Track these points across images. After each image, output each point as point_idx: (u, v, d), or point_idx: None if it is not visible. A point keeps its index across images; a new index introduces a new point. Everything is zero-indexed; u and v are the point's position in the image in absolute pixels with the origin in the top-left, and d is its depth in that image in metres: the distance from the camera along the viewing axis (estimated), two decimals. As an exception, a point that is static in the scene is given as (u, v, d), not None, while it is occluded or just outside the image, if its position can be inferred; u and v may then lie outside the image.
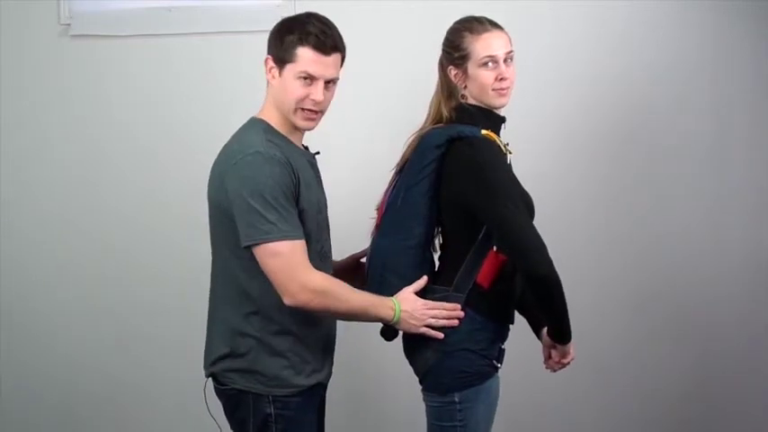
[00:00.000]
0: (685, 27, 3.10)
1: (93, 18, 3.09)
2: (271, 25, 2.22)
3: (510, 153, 2.23)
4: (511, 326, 2.28)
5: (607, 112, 3.11)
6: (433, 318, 2.15)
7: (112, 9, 3.09)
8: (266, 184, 2.02)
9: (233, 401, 2.16)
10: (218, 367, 2.17)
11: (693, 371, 3.16)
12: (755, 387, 3.16)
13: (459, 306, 2.17)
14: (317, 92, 2.10)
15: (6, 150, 3.14)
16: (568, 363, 2.30)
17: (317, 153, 2.30)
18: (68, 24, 3.09)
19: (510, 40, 2.22)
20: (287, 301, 2.06)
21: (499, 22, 2.24)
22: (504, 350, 2.24)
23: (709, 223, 3.13)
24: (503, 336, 2.25)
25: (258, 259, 2.06)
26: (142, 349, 3.16)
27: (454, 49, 2.23)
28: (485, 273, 2.17)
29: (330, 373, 2.27)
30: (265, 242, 2.03)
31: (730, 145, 3.12)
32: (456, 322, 2.16)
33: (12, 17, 3.10)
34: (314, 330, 2.16)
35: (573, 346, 2.26)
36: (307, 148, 2.27)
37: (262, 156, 2.04)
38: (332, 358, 2.27)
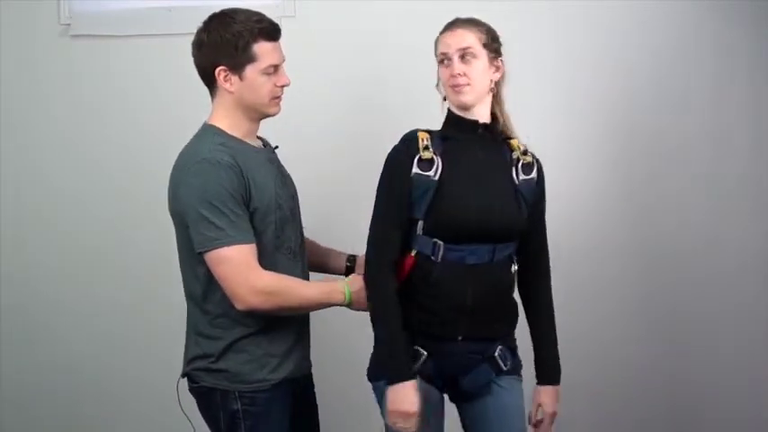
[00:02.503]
0: (684, 27, 3.09)
1: (93, 18, 3.10)
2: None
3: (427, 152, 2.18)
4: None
5: (606, 114, 3.11)
6: None
7: (112, 9, 3.10)
8: (213, 190, 2.03)
9: (204, 399, 2.19)
10: (189, 367, 2.21)
11: (693, 371, 3.16)
12: (756, 387, 3.16)
13: None
14: (284, 77, 2.16)
15: (6, 150, 3.14)
16: None
17: (276, 147, 2.31)
18: (68, 24, 3.10)
19: (476, 38, 2.17)
20: (238, 306, 2.07)
21: (497, 23, 2.23)
22: (419, 353, 2.19)
23: (709, 224, 3.13)
24: (413, 339, 2.20)
25: (209, 266, 2.07)
26: (142, 347, 3.16)
27: (435, 54, 2.25)
28: (398, 274, 2.20)
29: (306, 366, 2.28)
30: (214, 248, 2.04)
31: (730, 145, 3.12)
32: None
33: (12, 17, 3.10)
34: (282, 325, 2.18)
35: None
36: (266, 145, 2.28)
37: (208, 162, 2.05)
38: (305, 351, 2.28)
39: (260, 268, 2.08)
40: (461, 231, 2.17)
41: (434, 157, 2.17)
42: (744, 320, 3.15)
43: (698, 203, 3.13)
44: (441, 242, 2.17)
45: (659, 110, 3.11)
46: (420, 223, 2.18)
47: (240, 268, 2.05)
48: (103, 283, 3.16)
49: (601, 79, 3.09)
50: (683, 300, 3.14)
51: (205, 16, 3.11)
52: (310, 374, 2.34)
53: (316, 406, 2.37)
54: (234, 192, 2.05)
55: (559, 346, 2.30)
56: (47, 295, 3.17)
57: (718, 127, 3.12)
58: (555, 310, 2.32)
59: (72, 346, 3.17)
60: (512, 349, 2.29)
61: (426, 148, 2.17)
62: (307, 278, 2.28)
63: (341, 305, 2.19)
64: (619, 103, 3.10)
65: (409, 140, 2.21)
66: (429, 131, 2.23)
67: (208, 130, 2.17)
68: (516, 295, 2.31)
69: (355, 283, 2.20)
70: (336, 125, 3.08)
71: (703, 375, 3.16)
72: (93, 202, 3.15)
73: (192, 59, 3.04)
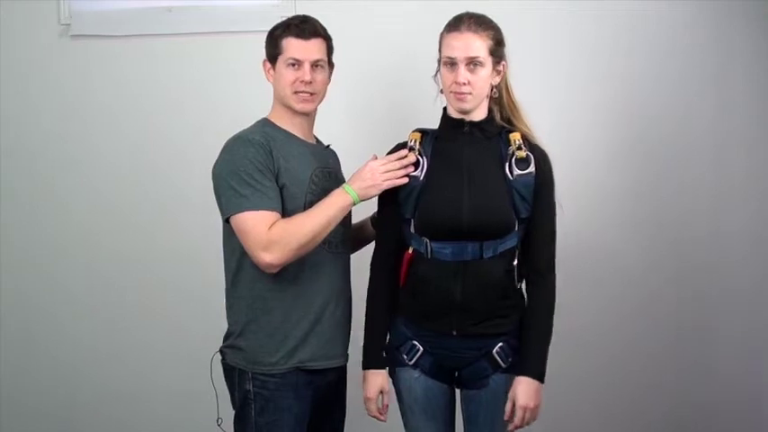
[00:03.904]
0: (686, 28, 3.09)
1: (93, 18, 3.09)
2: (270, 25, 2.33)
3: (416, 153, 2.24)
4: (437, 330, 2.25)
5: (607, 116, 3.10)
6: (387, 171, 2.21)
7: (112, 9, 3.09)
8: (240, 163, 2.16)
9: (226, 375, 2.30)
10: (222, 344, 2.31)
11: (693, 371, 3.16)
12: (756, 386, 3.15)
13: (405, 151, 2.23)
14: (305, 73, 2.25)
15: (6, 150, 3.14)
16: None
17: (329, 145, 2.41)
18: (68, 24, 3.09)
19: (485, 46, 2.18)
20: (263, 268, 2.15)
21: (499, 25, 2.23)
22: (416, 347, 2.26)
23: (710, 223, 3.12)
24: (412, 334, 2.27)
25: (235, 232, 2.17)
26: (142, 355, 3.16)
27: (439, 48, 2.25)
28: (400, 270, 2.27)
29: (333, 360, 2.29)
30: (237, 213, 2.15)
31: (731, 147, 3.11)
32: (412, 168, 2.22)
33: (12, 17, 3.11)
34: (299, 312, 2.22)
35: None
36: (318, 141, 2.40)
37: (240, 140, 2.21)
38: (329, 344, 2.28)
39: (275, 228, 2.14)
40: (442, 229, 2.20)
41: (420, 157, 2.23)
42: (744, 322, 3.14)
43: (700, 202, 3.11)
44: (427, 240, 2.20)
45: (660, 112, 3.10)
46: (412, 222, 2.23)
47: (257, 231, 2.12)
48: (103, 284, 3.15)
49: (602, 82, 3.08)
50: (683, 300, 3.14)
51: (205, 16, 3.14)
52: (342, 369, 2.35)
53: (343, 403, 2.39)
54: (261, 166, 2.16)
55: (567, 344, 2.30)
56: (46, 298, 3.17)
57: (719, 128, 3.11)
58: (562, 308, 2.29)
59: (70, 349, 3.17)
60: (515, 348, 2.26)
61: (412, 149, 2.24)
62: (347, 271, 2.36)
63: (352, 204, 2.21)
64: (621, 104, 3.09)
65: (402, 143, 2.28)
66: (424, 131, 2.27)
67: (259, 121, 2.32)
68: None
69: (353, 178, 2.22)
70: (335, 124, 3.07)
71: (703, 375, 3.16)
72: (92, 202, 3.14)
73: (190, 61, 3.09)
